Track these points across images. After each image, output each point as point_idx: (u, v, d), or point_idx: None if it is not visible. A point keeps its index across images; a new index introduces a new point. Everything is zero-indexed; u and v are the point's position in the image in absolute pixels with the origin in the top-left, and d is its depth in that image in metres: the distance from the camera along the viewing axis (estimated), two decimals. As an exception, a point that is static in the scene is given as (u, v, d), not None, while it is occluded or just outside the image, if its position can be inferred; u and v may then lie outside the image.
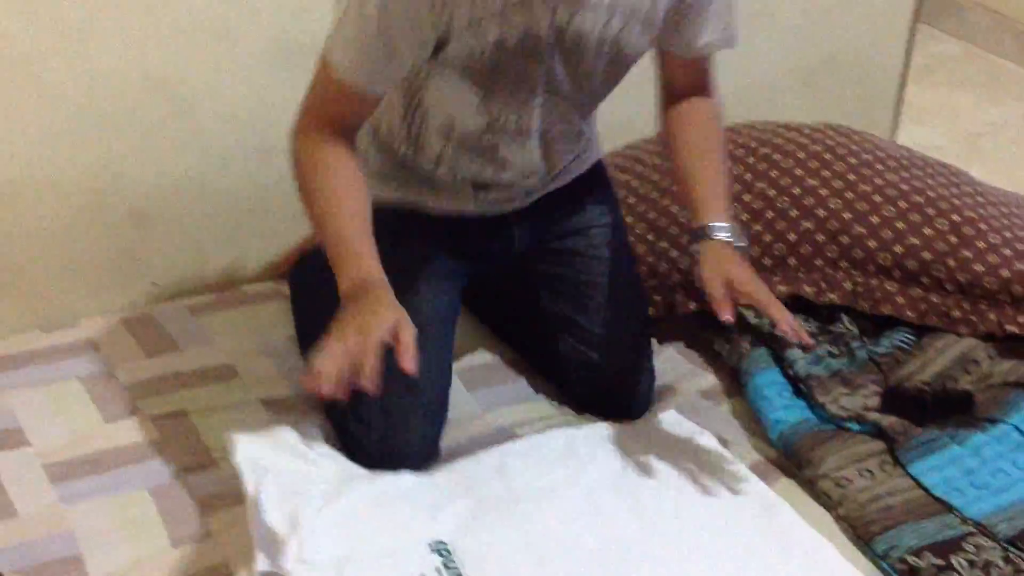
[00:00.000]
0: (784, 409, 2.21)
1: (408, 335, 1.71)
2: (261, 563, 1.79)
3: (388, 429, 2.05)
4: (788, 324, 1.91)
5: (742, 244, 2.03)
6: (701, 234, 2.02)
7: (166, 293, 2.61)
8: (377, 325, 1.70)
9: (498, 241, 2.25)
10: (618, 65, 2.03)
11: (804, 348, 2.21)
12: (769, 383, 2.26)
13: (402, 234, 2.11)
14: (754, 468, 2.13)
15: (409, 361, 1.69)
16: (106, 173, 2.46)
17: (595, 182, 2.32)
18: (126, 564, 1.86)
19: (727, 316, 1.90)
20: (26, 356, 2.34)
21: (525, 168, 2.12)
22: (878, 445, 2.14)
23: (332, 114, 1.92)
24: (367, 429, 2.06)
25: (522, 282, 2.35)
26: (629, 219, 2.50)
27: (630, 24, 1.95)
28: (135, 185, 2.49)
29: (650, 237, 2.49)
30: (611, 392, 2.27)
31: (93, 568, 1.84)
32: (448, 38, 1.85)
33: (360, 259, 1.83)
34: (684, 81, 2.16)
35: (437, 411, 2.13)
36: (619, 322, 2.27)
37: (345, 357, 1.68)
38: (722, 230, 2.01)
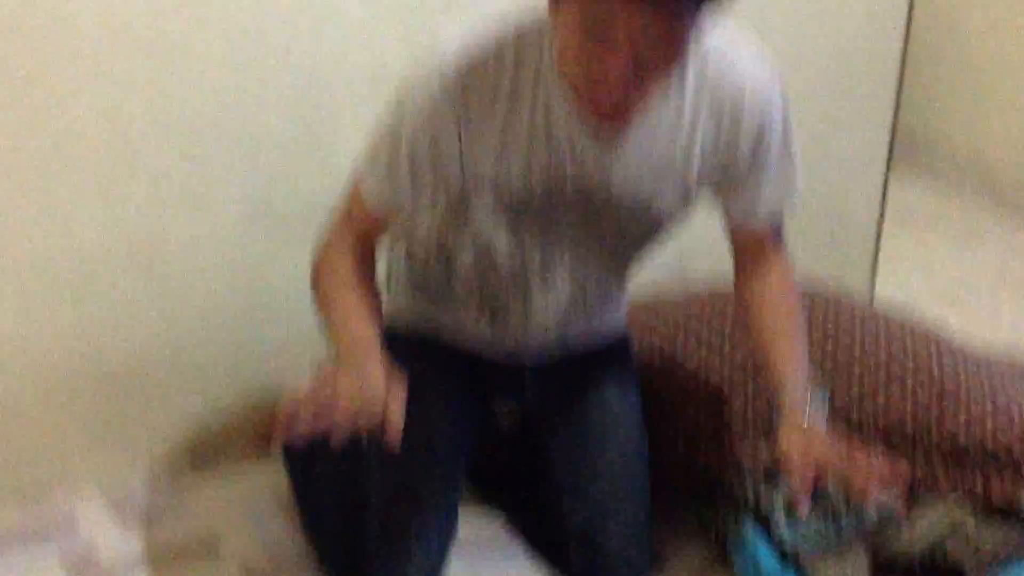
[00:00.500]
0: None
1: (397, 406, 1.67)
2: None
3: (394, 565, 2.02)
4: (870, 490, 1.83)
5: (820, 415, 1.97)
6: (780, 414, 2.00)
7: (145, 462, 2.58)
8: (374, 384, 1.70)
9: (510, 393, 2.26)
10: (650, 224, 2.05)
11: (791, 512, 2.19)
12: (756, 554, 2.25)
13: (419, 359, 2.07)
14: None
15: (393, 430, 1.65)
16: (82, 341, 2.46)
17: (617, 358, 2.32)
18: None
19: (803, 510, 1.87)
20: (3, 532, 2.32)
21: (549, 312, 2.12)
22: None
23: (357, 230, 1.98)
24: (368, 560, 2.04)
25: (528, 444, 2.33)
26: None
27: (661, 184, 1.96)
28: (112, 353, 2.49)
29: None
30: (606, 567, 2.20)
31: None
32: (476, 180, 1.90)
33: (360, 332, 1.87)
34: (751, 248, 2.16)
35: (444, 541, 2.09)
36: (623, 500, 2.22)
37: (329, 400, 1.63)
38: (798, 409, 1.97)
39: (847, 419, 2.37)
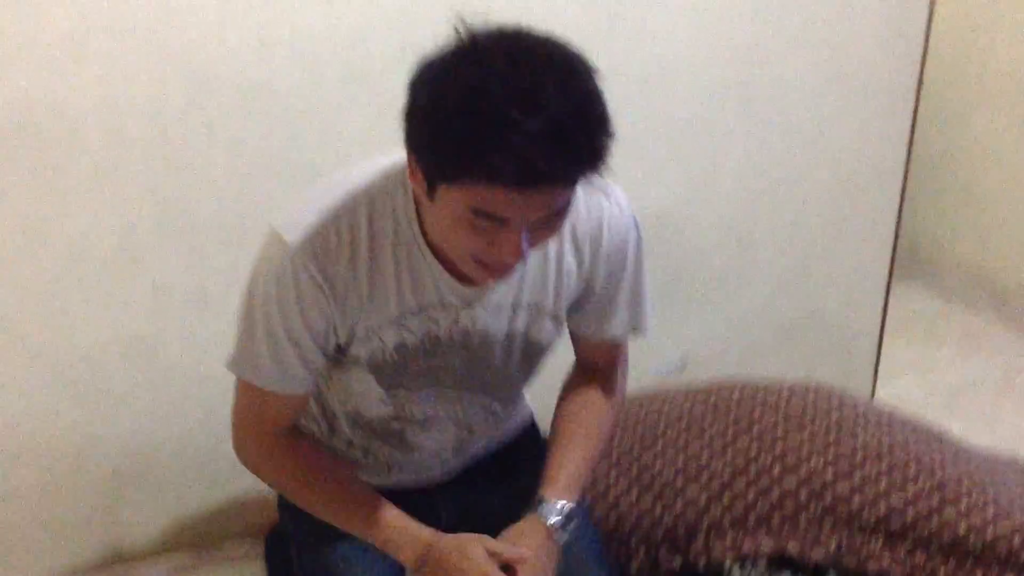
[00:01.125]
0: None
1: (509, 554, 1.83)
2: None
3: None
4: None
5: (560, 533, 1.97)
6: (533, 503, 1.99)
7: (145, 552, 2.59)
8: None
9: (423, 516, 2.11)
10: (532, 355, 2.05)
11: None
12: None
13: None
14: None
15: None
16: (83, 434, 2.49)
17: (527, 446, 2.31)
18: None
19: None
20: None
21: (438, 451, 2.13)
22: None
23: (266, 418, 1.91)
24: None
25: None
26: (612, 474, 2.51)
27: (538, 319, 1.97)
28: (113, 446, 2.52)
29: (633, 492, 2.50)
30: None
31: None
32: (350, 342, 1.87)
33: (401, 526, 1.90)
34: (595, 360, 2.15)
35: None
36: None
37: None
38: (548, 509, 1.97)
39: (848, 505, 2.38)
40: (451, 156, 1.52)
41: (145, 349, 2.49)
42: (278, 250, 1.75)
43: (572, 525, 1.98)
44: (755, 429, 2.53)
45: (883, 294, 3.49)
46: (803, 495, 2.42)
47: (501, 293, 1.89)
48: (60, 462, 2.47)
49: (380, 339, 1.86)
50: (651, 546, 2.47)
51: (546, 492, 1.99)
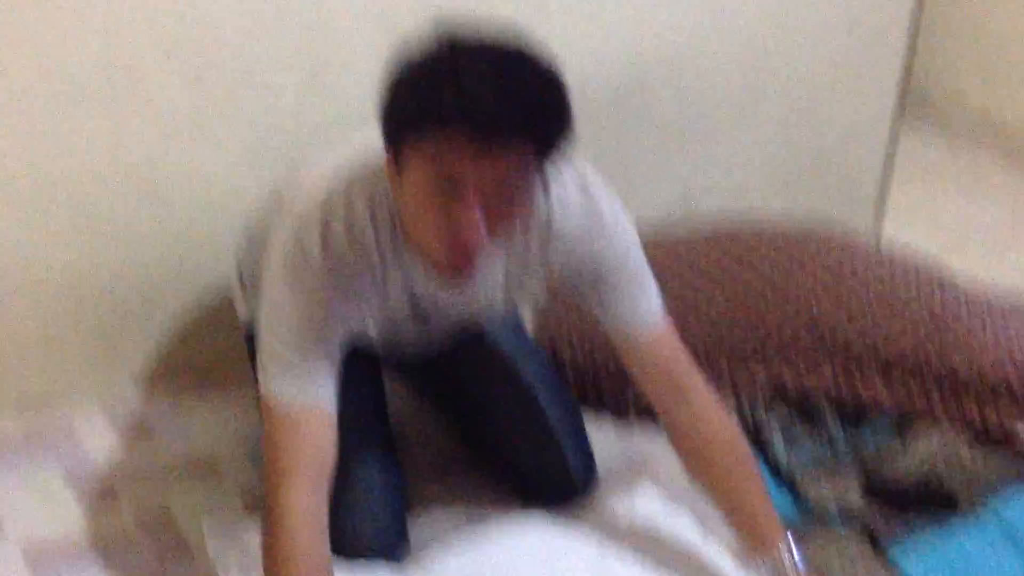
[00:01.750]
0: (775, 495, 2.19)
1: None
2: None
3: (343, 530, 2.02)
4: None
5: (799, 558, 1.89)
6: (764, 567, 1.91)
7: (146, 381, 2.61)
8: None
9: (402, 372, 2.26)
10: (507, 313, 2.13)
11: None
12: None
13: None
14: (734, 554, 2.12)
15: None
16: (82, 265, 2.48)
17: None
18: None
19: None
20: (3, 442, 2.34)
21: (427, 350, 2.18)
22: (860, 537, 2.13)
23: (299, 457, 1.77)
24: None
25: (436, 385, 2.37)
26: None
27: (515, 296, 2.02)
28: (113, 277, 2.51)
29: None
30: (536, 480, 2.22)
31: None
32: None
33: None
34: (656, 377, 2.00)
35: (388, 503, 2.09)
36: (527, 407, 2.22)
37: None
38: (786, 555, 1.88)
39: (846, 336, 2.39)
40: (408, 106, 1.57)
41: (145, 178, 2.47)
42: (299, 254, 1.74)
43: (796, 548, 1.90)
44: (755, 264, 2.52)
45: (888, 136, 3.46)
46: (800, 327, 2.42)
47: (482, 283, 1.92)
48: (59, 293, 2.47)
49: (368, 320, 1.91)
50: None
51: (773, 549, 1.89)
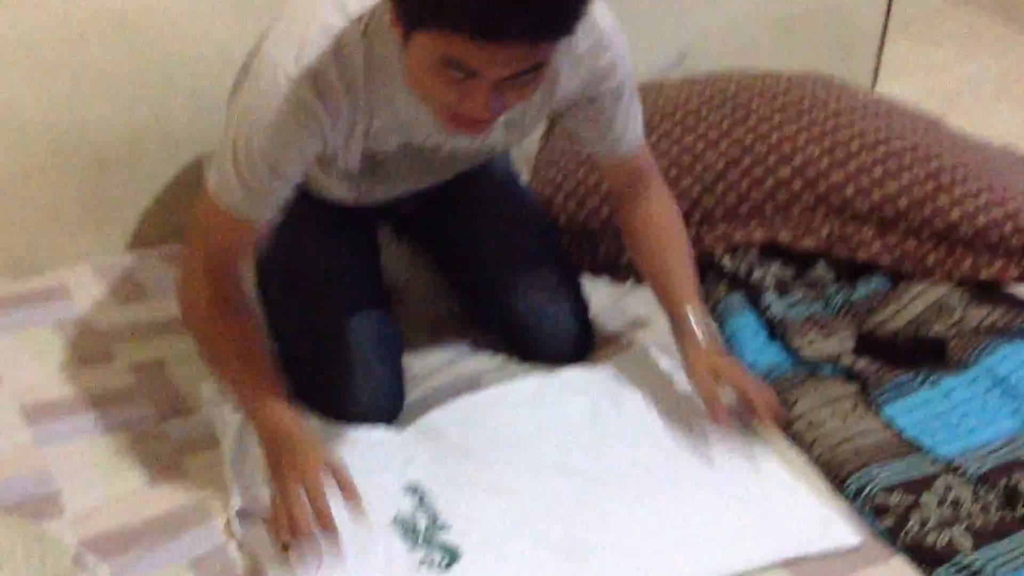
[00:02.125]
0: (759, 352, 2.22)
1: (344, 472, 1.74)
2: (236, 501, 1.82)
3: (338, 392, 2.06)
4: (764, 409, 1.98)
5: (711, 332, 2.07)
6: (678, 329, 2.07)
7: (137, 241, 2.59)
8: (314, 477, 1.71)
9: (383, 208, 2.23)
10: (491, 153, 2.12)
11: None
12: (744, 326, 2.28)
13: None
14: (728, 409, 2.13)
15: (354, 498, 1.71)
16: (64, 117, 2.43)
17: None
18: (102, 501, 1.86)
19: (723, 422, 1.97)
20: (-2, 300, 2.32)
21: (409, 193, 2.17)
22: (851, 388, 2.15)
23: (223, 246, 1.86)
24: (320, 393, 2.08)
25: (429, 236, 2.38)
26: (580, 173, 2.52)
27: (510, 134, 2.01)
28: (95, 130, 2.47)
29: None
30: (533, 334, 2.24)
31: (70, 504, 1.84)
32: (327, 159, 1.90)
33: (272, 404, 1.82)
34: (626, 176, 2.15)
35: (385, 362, 2.11)
36: (524, 260, 2.24)
37: (299, 509, 1.68)
38: (700, 321, 2.05)
39: (842, 193, 2.39)
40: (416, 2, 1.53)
41: (128, 27, 2.43)
42: (275, 82, 1.72)
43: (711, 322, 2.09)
44: (751, 119, 2.50)
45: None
46: (797, 184, 2.41)
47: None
48: (40, 146, 2.42)
49: (357, 154, 1.89)
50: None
51: (689, 308, 2.07)
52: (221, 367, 1.89)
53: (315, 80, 1.72)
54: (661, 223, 2.16)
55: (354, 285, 2.15)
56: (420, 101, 1.71)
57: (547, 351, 2.21)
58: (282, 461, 1.75)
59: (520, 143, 2.11)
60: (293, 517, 1.67)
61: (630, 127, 2.05)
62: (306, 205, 2.05)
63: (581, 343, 2.26)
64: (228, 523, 1.82)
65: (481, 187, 2.26)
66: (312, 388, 2.08)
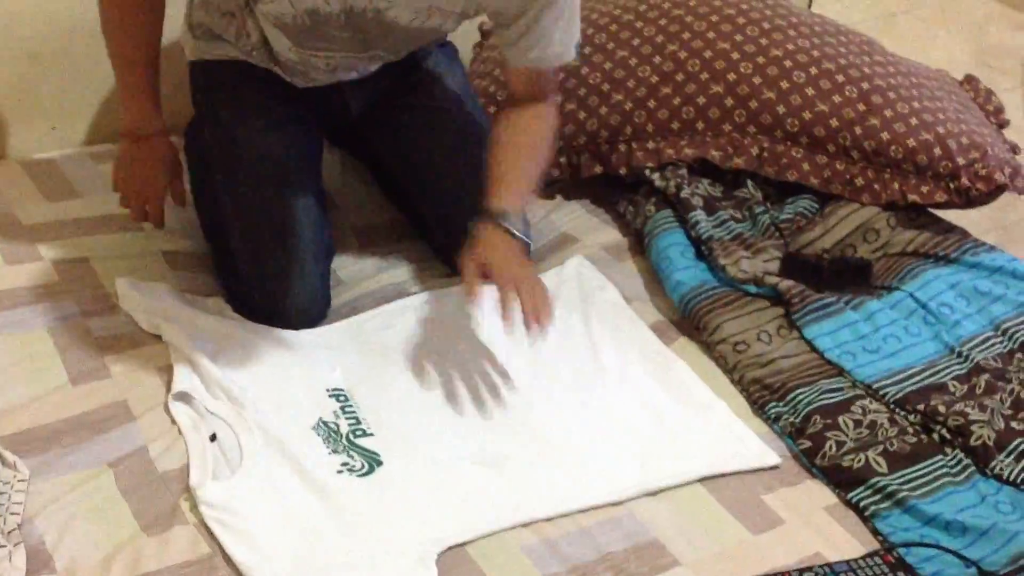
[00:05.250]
0: (685, 270, 2.23)
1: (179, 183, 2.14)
2: (179, 383, 1.86)
3: (269, 287, 2.05)
4: (528, 308, 1.87)
5: (520, 236, 1.98)
6: (485, 216, 1.98)
7: (66, 140, 2.55)
8: (159, 184, 2.13)
9: (332, 104, 2.21)
10: (430, 37, 2.14)
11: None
12: (672, 244, 2.27)
13: (239, 87, 2.14)
14: (654, 327, 2.16)
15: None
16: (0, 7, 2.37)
17: (440, 60, 2.32)
18: (24, 398, 1.84)
19: (470, 296, 1.90)
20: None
21: (351, 79, 2.16)
22: (776, 310, 2.17)
23: None
24: (251, 289, 2.07)
25: (373, 143, 2.34)
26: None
27: (447, 20, 2.01)
28: (30, 22, 2.40)
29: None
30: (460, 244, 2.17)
31: (-10, 401, 1.83)
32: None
33: (144, 103, 2.10)
34: (523, 89, 2.11)
35: (316, 262, 2.09)
36: (468, 174, 2.17)
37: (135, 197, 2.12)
38: (504, 217, 1.96)
39: (773, 112, 2.39)
40: None
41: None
42: None
43: (521, 222, 1.99)
44: (685, 35, 2.49)
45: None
46: (728, 102, 2.41)
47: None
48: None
49: (291, 2, 1.88)
50: (573, 152, 2.47)
51: (499, 202, 1.98)
52: (114, 42, 2.08)
53: None
54: (521, 125, 2.10)
55: (298, 182, 2.12)
56: None
57: None
58: (134, 150, 2.11)
59: (456, 29, 2.10)
60: (134, 196, 2.12)
61: (553, 41, 2.01)
62: (255, 95, 2.08)
63: None
64: (166, 405, 1.84)
65: (432, 94, 2.25)
66: (241, 282, 2.08)
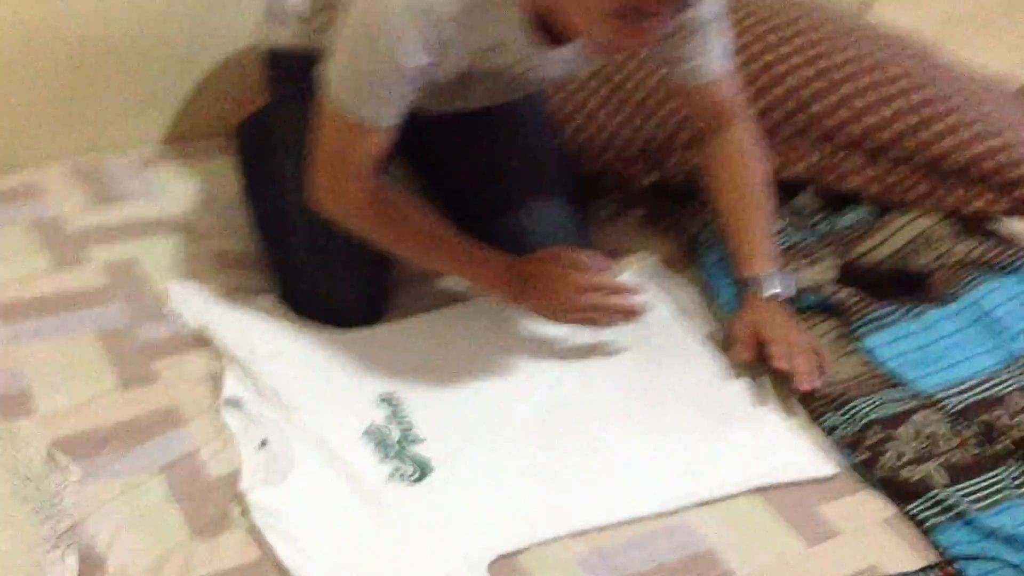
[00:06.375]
0: (731, 286, 2.18)
1: (579, 257, 1.95)
2: (229, 387, 1.87)
3: (327, 282, 2.06)
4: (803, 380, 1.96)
5: (781, 292, 2.06)
6: (745, 286, 2.06)
7: (113, 144, 2.54)
8: (567, 283, 1.92)
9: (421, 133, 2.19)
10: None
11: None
12: (722, 257, 2.23)
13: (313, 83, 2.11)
14: (708, 338, 2.14)
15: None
16: (43, 13, 2.35)
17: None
18: (75, 402, 1.85)
19: (744, 355, 1.99)
20: (-30, 199, 2.29)
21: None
22: (832, 323, 2.14)
23: (357, 157, 1.86)
24: (308, 285, 2.07)
25: (438, 144, 2.33)
26: (593, 82, 2.47)
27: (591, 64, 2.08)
28: (74, 27, 2.40)
29: (612, 103, 2.46)
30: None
31: (41, 404, 1.83)
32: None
33: (482, 255, 1.95)
34: (711, 108, 2.13)
35: (375, 261, 2.09)
36: (538, 194, 2.21)
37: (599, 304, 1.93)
38: (766, 282, 2.05)
39: (834, 118, 2.35)
40: None
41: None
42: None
43: (778, 281, 2.06)
44: (745, 38, 2.46)
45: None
46: (786, 108, 2.37)
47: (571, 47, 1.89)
48: (12, 42, 2.35)
49: (457, 69, 1.88)
50: (627, 161, 2.45)
51: (756, 268, 2.06)
52: (418, 254, 1.99)
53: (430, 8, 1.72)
54: (745, 170, 2.14)
55: None
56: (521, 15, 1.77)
57: None
58: (538, 288, 1.92)
59: None
60: (603, 308, 1.93)
61: (716, 50, 2.04)
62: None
63: None
64: (216, 410, 1.85)
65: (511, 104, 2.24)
66: (295, 278, 2.09)
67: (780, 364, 1.96)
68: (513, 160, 2.24)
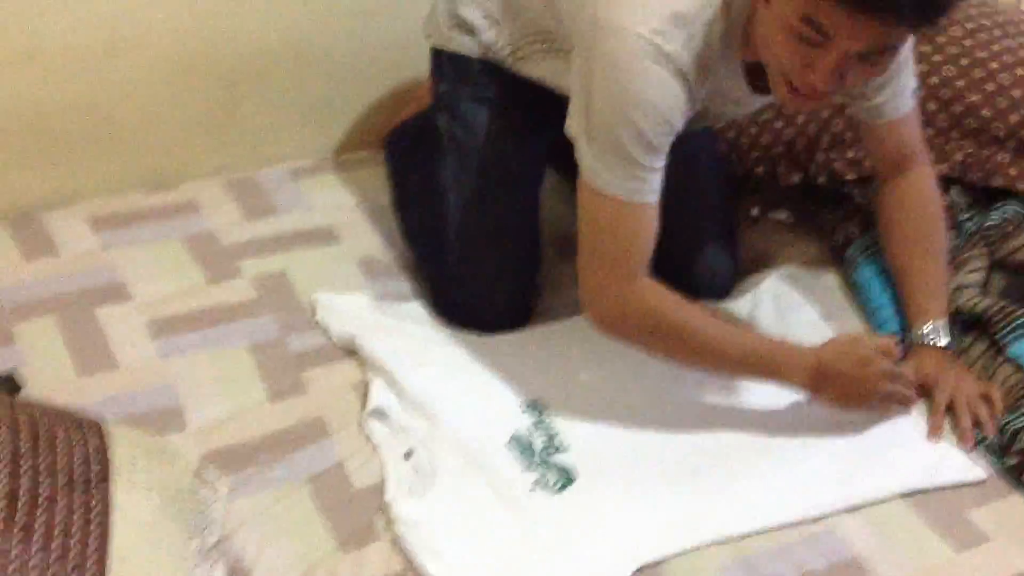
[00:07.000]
0: (889, 305, 2.15)
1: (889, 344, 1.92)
2: (374, 399, 1.88)
3: (478, 286, 2.08)
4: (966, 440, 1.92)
5: (952, 342, 2.03)
6: (918, 338, 2.03)
7: (264, 158, 2.59)
8: (874, 370, 1.87)
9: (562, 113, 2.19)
10: None
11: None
12: (877, 273, 2.21)
13: (488, 85, 2.13)
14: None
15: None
16: (200, 33, 2.41)
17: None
18: (225, 415, 1.89)
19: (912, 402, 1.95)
20: (130, 215, 2.34)
21: None
22: (980, 346, 2.08)
23: (626, 255, 1.83)
24: (458, 288, 2.09)
25: None
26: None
27: None
28: (229, 47, 2.45)
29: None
30: (681, 274, 2.13)
31: (192, 418, 1.88)
32: None
33: (784, 353, 1.90)
34: (890, 147, 2.10)
35: (526, 268, 2.12)
36: (692, 202, 2.19)
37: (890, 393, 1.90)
38: (934, 335, 2.02)
39: (978, 116, 2.31)
40: None
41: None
42: (638, 61, 1.71)
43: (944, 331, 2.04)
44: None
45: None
46: (932, 106, 2.33)
47: None
48: (170, 61, 2.41)
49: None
50: (770, 161, 2.42)
51: (928, 320, 2.03)
52: (709, 361, 1.90)
53: (677, 58, 1.72)
54: (920, 212, 2.11)
55: (524, 186, 2.18)
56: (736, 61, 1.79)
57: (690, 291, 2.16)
58: (839, 382, 1.86)
59: None
60: (899, 399, 1.90)
61: (907, 89, 2.02)
62: (509, 102, 2.11)
63: (724, 291, 2.25)
64: (362, 422, 1.87)
65: None
66: (445, 283, 2.12)
67: (937, 419, 1.94)
68: (677, 173, 2.22)
